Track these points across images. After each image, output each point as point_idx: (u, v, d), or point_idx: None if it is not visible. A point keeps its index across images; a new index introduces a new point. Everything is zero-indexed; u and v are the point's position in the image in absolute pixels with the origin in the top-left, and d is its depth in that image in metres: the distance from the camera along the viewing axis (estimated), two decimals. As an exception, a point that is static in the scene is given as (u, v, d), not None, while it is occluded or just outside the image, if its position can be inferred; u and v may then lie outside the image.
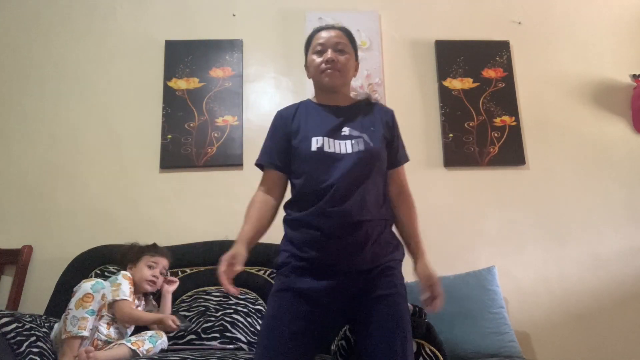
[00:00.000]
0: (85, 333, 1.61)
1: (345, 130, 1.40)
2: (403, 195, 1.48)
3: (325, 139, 1.37)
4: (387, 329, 1.25)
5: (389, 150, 1.45)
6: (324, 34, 1.47)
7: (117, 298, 1.78)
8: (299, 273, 1.31)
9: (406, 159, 1.52)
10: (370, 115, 1.48)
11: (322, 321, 1.29)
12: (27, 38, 2.60)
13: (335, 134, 1.39)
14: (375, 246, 1.32)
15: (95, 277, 2.07)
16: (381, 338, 1.24)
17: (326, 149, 1.36)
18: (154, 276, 1.93)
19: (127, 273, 1.89)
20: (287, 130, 1.44)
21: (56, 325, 1.76)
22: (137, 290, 1.90)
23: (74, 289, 1.76)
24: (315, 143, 1.36)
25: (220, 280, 1.24)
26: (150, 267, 1.94)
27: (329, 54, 1.43)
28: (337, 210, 1.29)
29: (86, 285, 1.70)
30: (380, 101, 2.55)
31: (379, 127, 1.45)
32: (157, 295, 2.00)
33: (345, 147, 1.37)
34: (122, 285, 1.82)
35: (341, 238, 1.28)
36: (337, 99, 1.48)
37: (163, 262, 1.99)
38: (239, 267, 1.28)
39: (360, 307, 1.30)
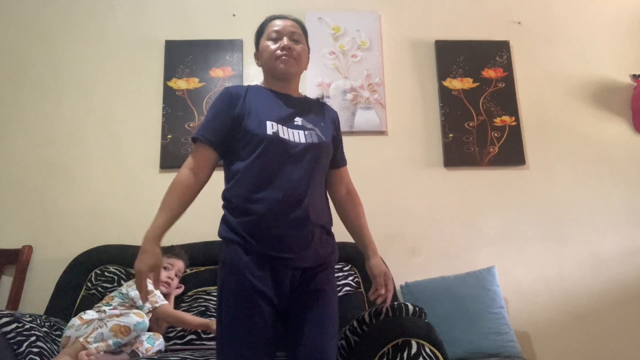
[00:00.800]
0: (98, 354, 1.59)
1: (298, 121, 1.38)
2: (350, 194, 1.51)
3: (279, 125, 1.33)
4: (320, 318, 1.27)
5: (334, 149, 1.46)
6: (279, 22, 1.45)
7: (157, 305, 1.79)
8: (247, 265, 1.24)
9: (344, 163, 1.54)
10: (320, 111, 1.48)
11: (268, 314, 1.24)
12: (27, 38, 2.59)
13: (288, 122, 1.36)
14: (318, 243, 1.32)
15: (95, 277, 2.08)
16: (314, 322, 1.26)
17: (281, 135, 1.32)
18: (169, 277, 1.95)
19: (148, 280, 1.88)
20: (234, 110, 1.35)
21: (77, 321, 1.72)
22: None
23: (118, 298, 1.76)
24: (271, 127, 1.32)
25: (143, 293, 1.22)
26: (165, 268, 1.96)
27: (285, 41, 1.41)
28: (292, 203, 1.27)
29: (132, 319, 1.65)
30: (381, 101, 2.56)
31: (328, 124, 1.45)
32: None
33: (299, 136, 1.34)
34: (155, 292, 1.83)
35: (295, 231, 1.27)
36: (288, 88, 1.46)
37: (179, 265, 2.00)
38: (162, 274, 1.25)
39: (294, 300, 1.29)
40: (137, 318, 1.66)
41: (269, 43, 1.43)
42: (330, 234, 1.40)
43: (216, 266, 2.13)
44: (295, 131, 1.35)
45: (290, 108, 1.40)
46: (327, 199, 1.45)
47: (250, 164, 1.30)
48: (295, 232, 1.27)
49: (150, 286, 1.83)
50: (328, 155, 1.41)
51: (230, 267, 1.26)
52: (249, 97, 1.39)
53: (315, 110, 1.47)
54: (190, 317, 1.85)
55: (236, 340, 1.20)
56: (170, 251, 2.01)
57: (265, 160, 1.29)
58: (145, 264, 1.21)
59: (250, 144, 1.31)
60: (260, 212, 1.26)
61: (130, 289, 1.85)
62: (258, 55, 1.49)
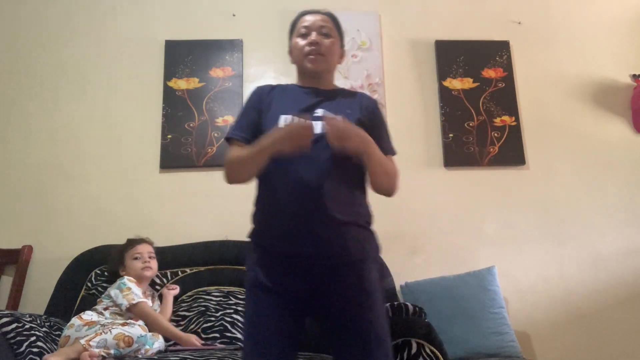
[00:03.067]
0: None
1: (319, 112, 1.33)
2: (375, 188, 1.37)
3: (295, 118, 1.27)
4: (356, 336, 1.20)
5: None
6: (309, 17, 1.43)
7: (133, 302, 1.79)
8: (268, 270, 1.24)
9: (389, 152, 1.41)
10: (351, 99, 1.42)
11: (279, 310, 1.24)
12: (27, 38, 2.59)
13: (307, 114, 1.30)
14: (343, 238, 1.24)
15: (95, 277, 2.08)
16: (350, 341, 1.20)
17: None
18: (145, 262, 1.94)
19: (128, 277, 1.89)
20: (260, 105, 1.38)
21: (77, 321, 1.72)
22: (143, 284, 1.92)
23: (106, 299, 1.78)
24: (283, 121, 1.28)
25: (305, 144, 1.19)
26: (136, 258, 1.95)
27: (313, 36, 1.38)
28: (301, 198, 1.22)
29: (137, 330, 1.65)
30: (380, 101, 2.56)
31: (356, 111, 1.36)
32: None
33: (316, 128, 1.27)
34: (133, 289, 1.83)
35: (306, 226, 1.21)
36: (318, 84, 1.42)
37: (145, 248, 2.00)
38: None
39: (323, 300, 1.24)
40: (141, 331, 1.66)
41: (299, 40, 1.41)
42: (366, 229, 1.32)
43: (215, 266, 2.15)
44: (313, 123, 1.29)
45: (315, 99, 1.37)
46: (359, 190, 1.35)
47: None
48: (307, 227, 1.22)
49: (130, 284, 1.84)
50: None
51: (247, 265, 1.31)
52: (273, 93, 1.40)
53: (343, 98, 1.41)
54: (168, 325, 1.83)
55: (247, 334, 1.24)
56: (129, 244, 1.99)
57: (280, 157, 1.25)
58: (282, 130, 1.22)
59: None
60: (267, 209, 1.27)
61: (111, 289, 1.87)
62: (291, 53, 1.47)
